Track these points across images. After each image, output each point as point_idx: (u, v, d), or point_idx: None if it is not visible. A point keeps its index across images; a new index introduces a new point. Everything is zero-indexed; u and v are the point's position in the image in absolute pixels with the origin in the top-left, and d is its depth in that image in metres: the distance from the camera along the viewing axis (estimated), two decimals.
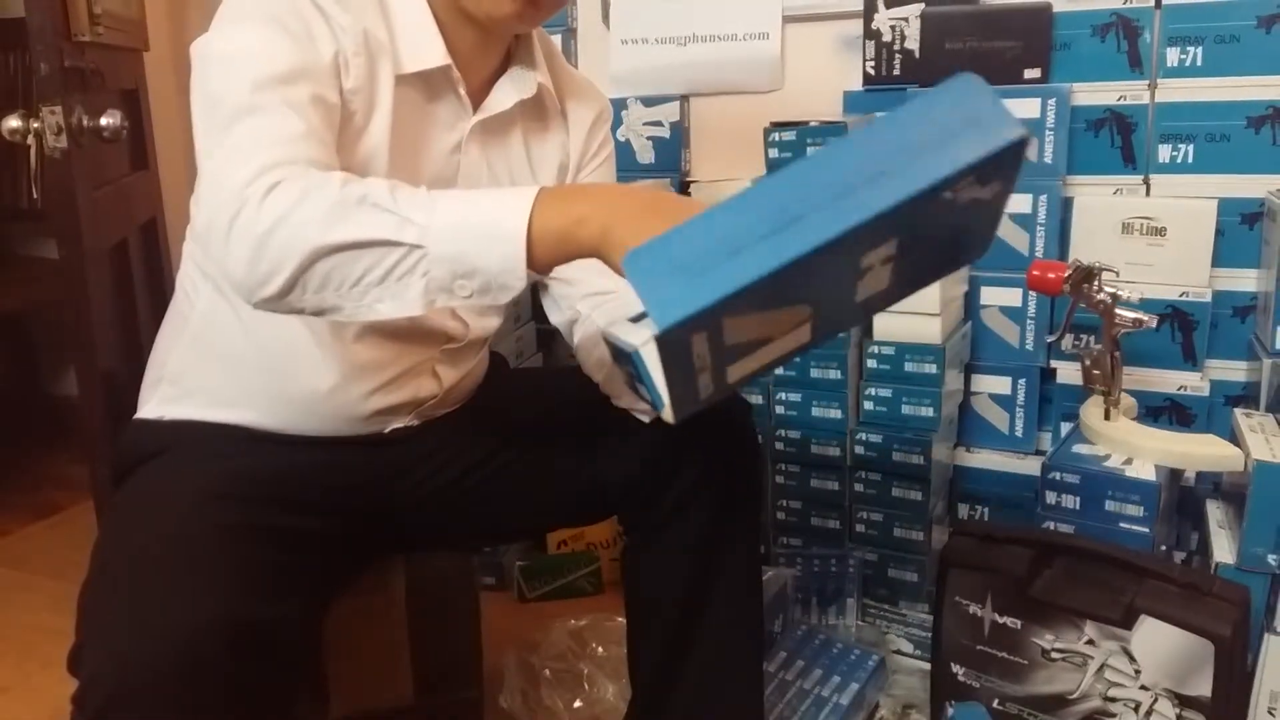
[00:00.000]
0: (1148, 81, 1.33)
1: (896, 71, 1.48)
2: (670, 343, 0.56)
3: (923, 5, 1.43)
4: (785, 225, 0.54)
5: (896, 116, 0.58)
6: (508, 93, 0.94)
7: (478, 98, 0.93)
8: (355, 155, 0.84)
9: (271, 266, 0.68)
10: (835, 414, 1.41)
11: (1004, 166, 0.59)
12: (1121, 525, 1.18)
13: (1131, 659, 1.05)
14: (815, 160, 0.58)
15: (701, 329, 0.56)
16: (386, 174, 0.85)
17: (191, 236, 0.95)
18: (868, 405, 1.40)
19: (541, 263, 0.69)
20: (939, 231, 0.65)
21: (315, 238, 0.67)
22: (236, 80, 0.74)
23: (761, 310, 0.59)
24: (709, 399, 0.68)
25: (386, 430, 0.96)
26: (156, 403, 0.96)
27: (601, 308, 0.97)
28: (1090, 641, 1.07)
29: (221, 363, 0.92)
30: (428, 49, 0.86)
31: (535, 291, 1.09)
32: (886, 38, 1.48)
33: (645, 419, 0.95)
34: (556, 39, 1.68)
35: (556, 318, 1.06)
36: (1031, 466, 1.42)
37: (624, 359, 0.70)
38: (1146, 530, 1.17)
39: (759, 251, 0.54)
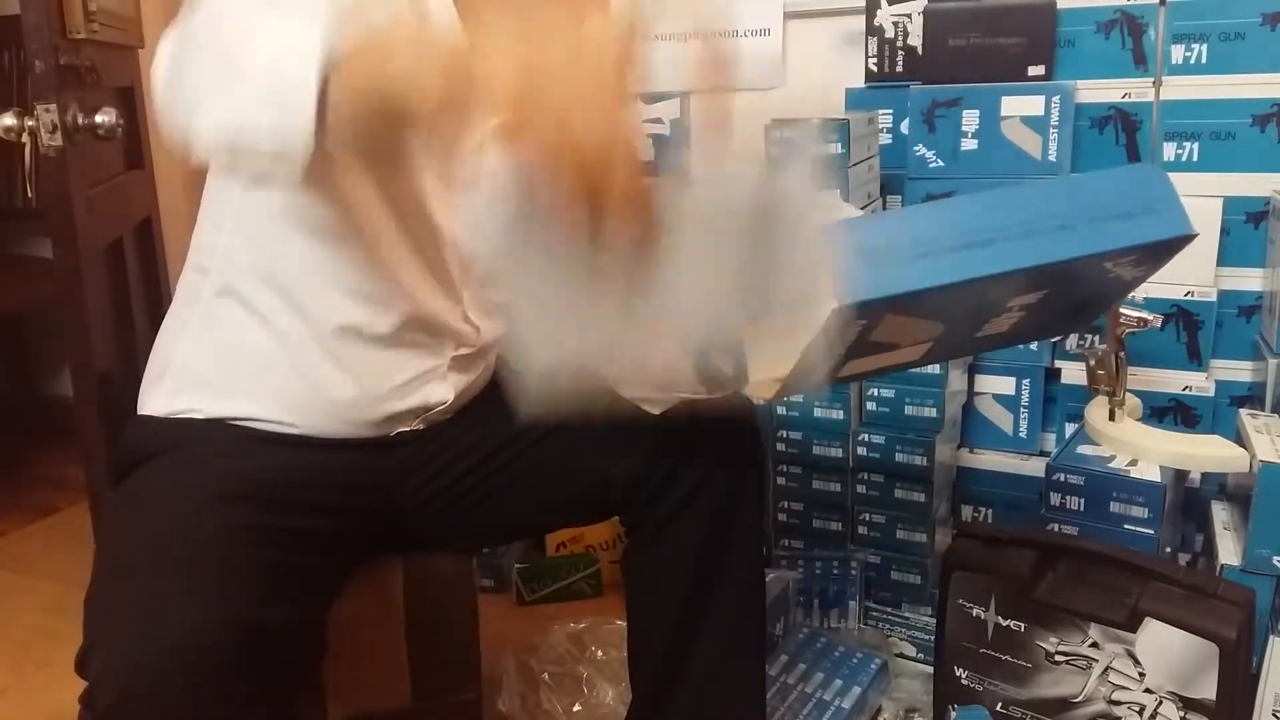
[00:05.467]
0: (1152, 79, 1.32)
1: (899, 69, 1.47)
2: (837, 320, 0.57)
3: (925, 1, 1.42)
4: (976, 245, 0.57)
5: (1082, 181, 0.63)
6: None
7: None
8: None
9: None
10: (837, 415, 1.40)
11: (1160, 256, 0.64)
12: (1126, 527, 1.17)
13: (1136, 662, 1.04)
14: (1004, 196, 0.61)
15: (867, 316, 0.58)
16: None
17: (200, 220, 0.94)
18: (870, 406, 1.39)
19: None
20: (1076, 295, 0.68)
21: None
22: None
23: (915, 316, 0.62)
24: (814, 385, 0.69)
25: (392, 434, 0.95)
26: (160, 398, 0.94)
27: None
28: (1094, 644, 1.06)
29: (228, 357, 0.92)
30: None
31: None
32: (889, 34, 1.47)
33: (656, 410, 0.94)
34: None
35: None
36: (1035, 468, 1.41)
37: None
38: (1151, 532, 1.16)
39: (949, 261, 0.57)
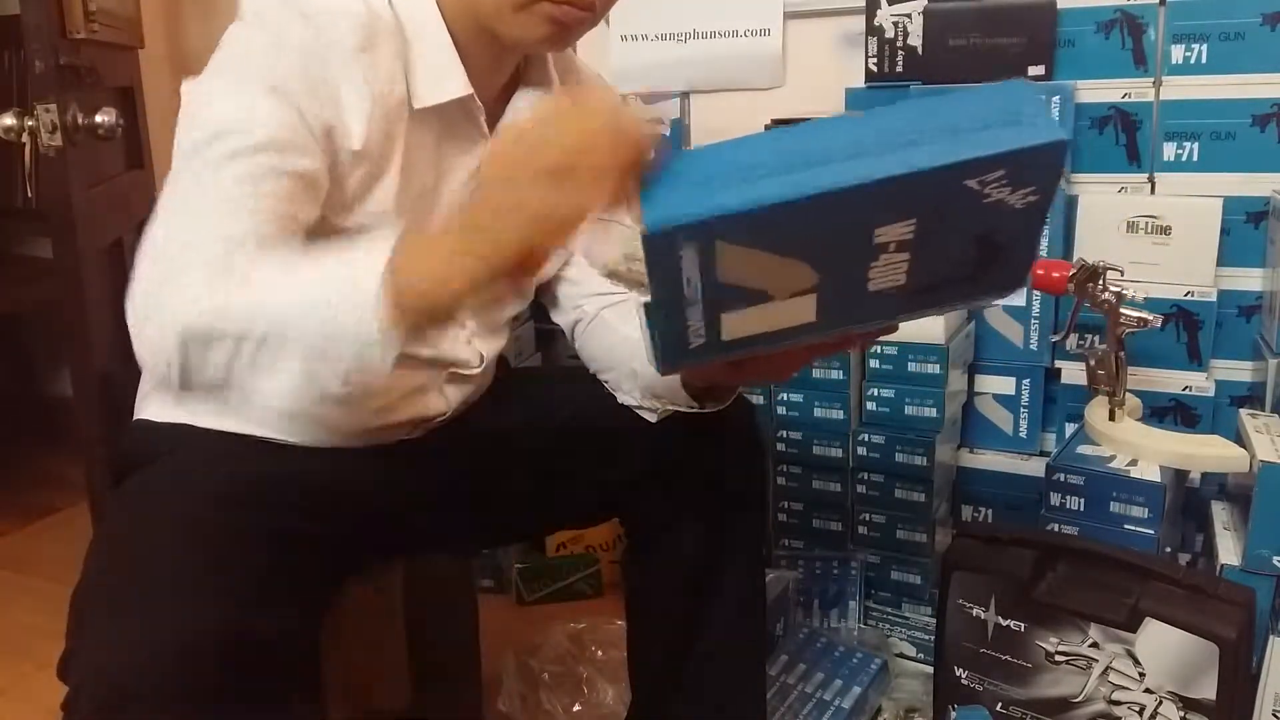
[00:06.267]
0: (1152, 79, 1.32)
1: (899, 69, 1.47)
2: (658, 253, 0.54)
3: (925, 2, 1.42)
4: (802, 167, 0.53)
5: (935, 100, 0.57)
6: (524, 112, 0.90)
7: (492, 116, 0.89)
8: (365, 208, 0.81)
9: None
10: (837, 414, 1.40)
11: (1038, 173, 0.58)
12: (1126, 527, 1.17)
13: (1136, 662, 1.04)
14: (841, 120, 0.57)
15: (693, 244, 0.54)
16: (398, 220, 0.81)
17: None
18: (870, 406, 1.39)
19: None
20: (962, 229, 0.62)
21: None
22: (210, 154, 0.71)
23: (760, 249, 0.57)
24: (700, 351, 0.64)
25: (389, 441, 0.95)
26: (154, 408, 0.94)
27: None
28: (1094, 644, 1.06)
29: None
30: (449, 80, 0.82)
31: (536, 292, 1.08)
32: (889, 34, 1.47)
33: (653, 418, 0.94)
34: None
35: (560, 318, 1.04)
36: (1035, 468, 1.41)
37: (643, 320, 0.69)
38: (1151, 532, 1.16)
39: (770, 183, 0.53)
